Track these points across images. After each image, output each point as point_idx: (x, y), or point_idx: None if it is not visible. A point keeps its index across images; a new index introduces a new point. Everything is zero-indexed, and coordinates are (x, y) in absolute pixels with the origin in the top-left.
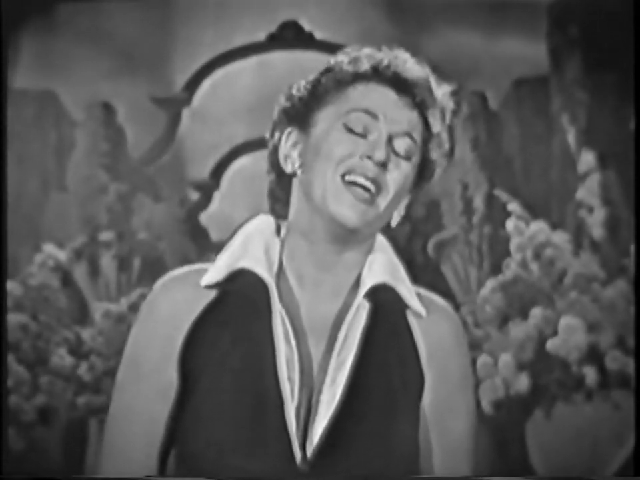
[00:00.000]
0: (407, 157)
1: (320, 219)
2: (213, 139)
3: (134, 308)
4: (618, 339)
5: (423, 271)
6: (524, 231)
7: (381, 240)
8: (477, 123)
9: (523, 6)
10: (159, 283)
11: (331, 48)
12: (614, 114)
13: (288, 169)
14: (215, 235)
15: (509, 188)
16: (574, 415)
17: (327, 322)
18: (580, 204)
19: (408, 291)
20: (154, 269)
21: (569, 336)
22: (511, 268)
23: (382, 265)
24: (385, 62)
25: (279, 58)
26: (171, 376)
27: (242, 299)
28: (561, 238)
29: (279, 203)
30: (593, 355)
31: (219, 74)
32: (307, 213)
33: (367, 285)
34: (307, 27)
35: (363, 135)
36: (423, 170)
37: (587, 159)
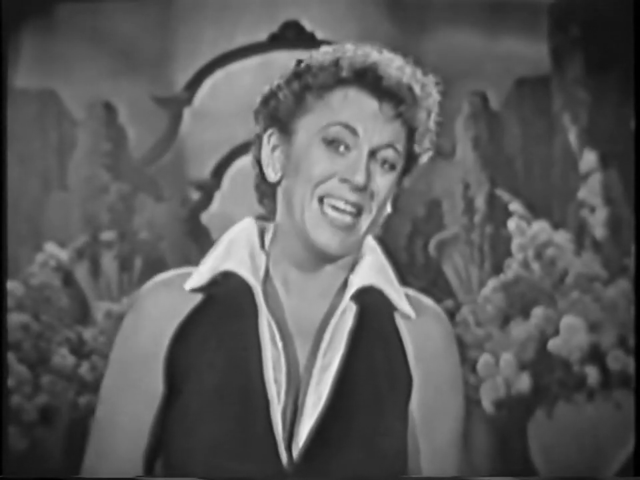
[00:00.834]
0: (391, 167)
1: (300, 240)
2: (214, 138)
3: None
4: (619, 338)
5: (423, 270)
6: (525, 230)
7: (369, 241)
8: (478, 123)
9: (523, 6)
10: (145, 287)
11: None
12: (615, 113)
13: (270, 177)
14: (216, 235)
15: (510, 188)
16: (575, 415)
17: (313, 324)
18: (581, 203)
19: (396, 292)
20: (155, 269)
21: (571, 335)
22: (512, 268)
23: (370, 267)
24: (367, 65)
25: (281, 58)
26: (157, 380)
27: (227, 302)
28: (562, 238)
29: (266, 197)
30: (595, 355)
31: (220, 74)
32: (288, 224)
33: (353, 287)
34: (308, 26)
35: (342, 153)
36: (407, 166)
37: (589, 159)
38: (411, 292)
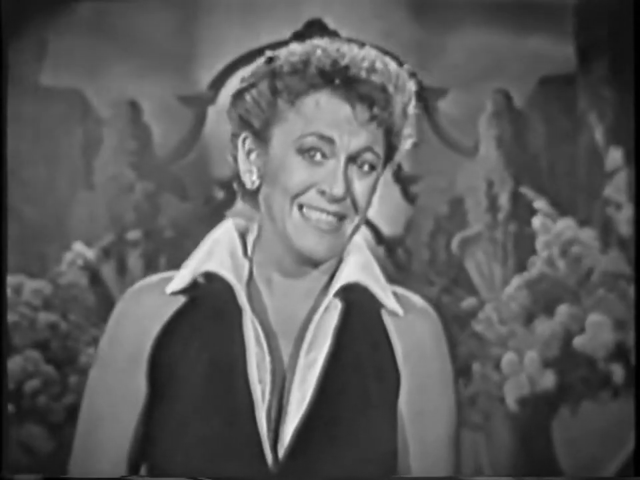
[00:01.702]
0: (371, 168)
1: (284, 246)
2: None
3: None
4: None
5: (446, 268)
6: (550, 228)
7: (355, 239)
8: (501, 121)
9: (548, 5)
10: (129, 291)
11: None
12: None
13: (248, 185)
14: None
15: (534, 185)
16: (600, 413)
17: (297, 323)
18: (607, 201)
19: (382, 289)
20: (180, 268)
21: (596, 333)
22: (536, 265)
23: (355, 265)
24: (337, 68)
25: None
26: (140, 382)
27: (210, 304)
28: (588, 235)
29: (247, 195)
30: (620, 353)
31: (244, 72)
32: (271, 229)
33: (338, 283)
34: (332, 25)
35: (319, 162)
36: (388, 156)
37: (614, 156)
38: (400, 290)
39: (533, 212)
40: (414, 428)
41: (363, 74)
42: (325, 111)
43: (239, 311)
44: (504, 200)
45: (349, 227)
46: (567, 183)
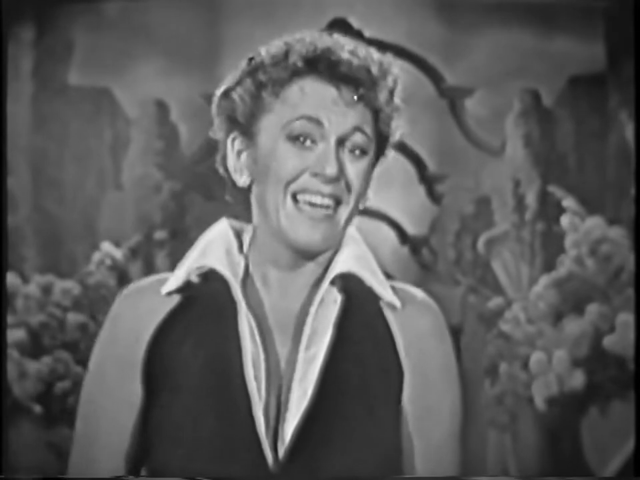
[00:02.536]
0: (363, 152)
1: (279, 242)
2: None
3: None
4: None
5: (472, 268)
6: (579, 226)
7: (351, 232)
8: (529, 120)
9: (576, 5)
10: (124, 293)
11: (380, 45)
12: None
13: (239, 183)
14: None
15: (563, 184)
16: (629, 413)
17: (292, 318)
18: (636, 199)
19: (378, 281)
20: None
21: (626, 332)
22: (565, 264)
23: (349, 256)
24: (319, 52)
25: None
26: (135, 385)
27: (205, 301)
28: (617, 233)
29: (239, 201)
30: None
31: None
32: (265, 229)
33: (332, 273)
34: (355, 24)
35: (309, 147)
36: (380, 149)
37: None
38: (399, 284)
39: (562, 210)
40: (418, 424)
41: (345, 56)
42: (310, 95)
43: (234, 307)
44: (531, 199)
45: (343, 213)
46: (595, 181)
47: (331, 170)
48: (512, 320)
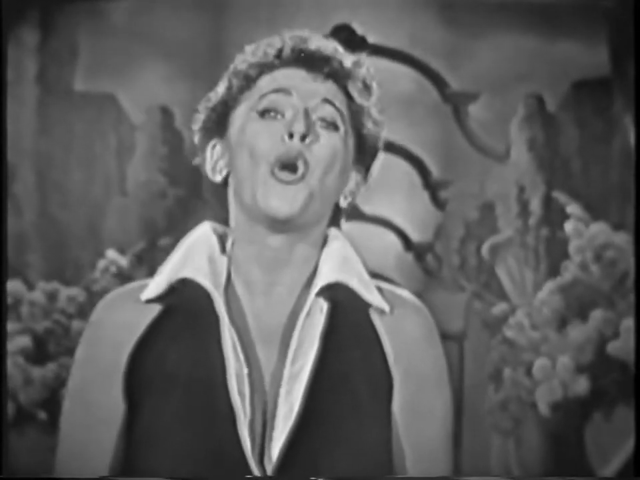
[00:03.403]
0: (332, 125)
1: (255, 220)
2: None
3: None
4: None
5: (476, 274)
6: (584, 232)
7: (334, 233)
8: (533, 125)
9: (580, 9)
10: (101, 302)
11: (384, 51)
12: None
13: (217, 178)
14: None
15: (567, 190)
16: (634, 419)
17: (277, 328)
18: None
19: (365, 286)
20: None
21: (631, 338)
22: (570, 270)
23: (334, 262)
24: (288, 45)
25: None
26: (117, 398)
27: (186, 312)
28: (622, 239)
29: (213, 192)
30: None
31: None
32: (243, 217)
33: (317, 285)
34: (359, 30)
35: (280, 119)
36: (361, 145)
37: None
38: (386, 285)
39: (566, 216)
40: (409, 431)
41: (313, 43)
42: (280, 77)
43: (216, 318)
44: (535, 205)
45: (312, 178)
46: (600, 186)
47: (299, 127)
48: (516, 326)
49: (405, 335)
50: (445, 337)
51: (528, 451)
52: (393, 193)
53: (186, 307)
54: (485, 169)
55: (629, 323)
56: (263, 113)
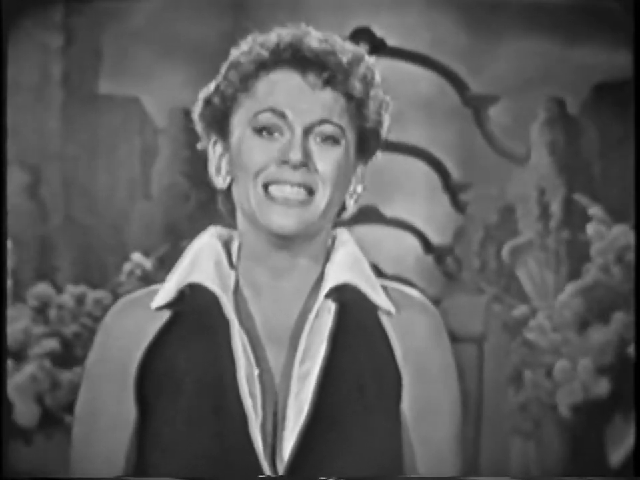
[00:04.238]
0: (334, 142)
1: (259, 229)
2: None
3: None
4: None
5: (496, 277)
6: (605, 234)
7: (342, 234)
8: (554, 128)
9: (601, 11)
10: (112, 310)
11: (404, 54)
12: None
13: (219, 184)
14: None
15: (588, 192)
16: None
17: (286, 330)
18: None
19: (372, 287)
20: None
21: None
22: (591, 272)
23: (343, 263)
24: (283, 44)
25: None
26: (129, 405)
27: (196, 317)
28: None
29: (228, 213)
30: None
31: None
32: (247, 225)
33: (326, 286)
34: (379, 33)
35: (276, 138)
36: (364, 139)
37: None
38: (392, 284)
39: (587, 219)
40: (419, 429)
41: (310, 43)
42: (276, 85)
43: (225, 323)
44: (556, 207)
45: (320, 201)
46: (621, 189)
47: (295, 156)
48: (537, 328)
49: (413, 334)
50: (464, 339)
51: (548, 453)
52: (413, 196)
53: (195, 312)
54: (505, 172)
55: None
56: (260, 131)
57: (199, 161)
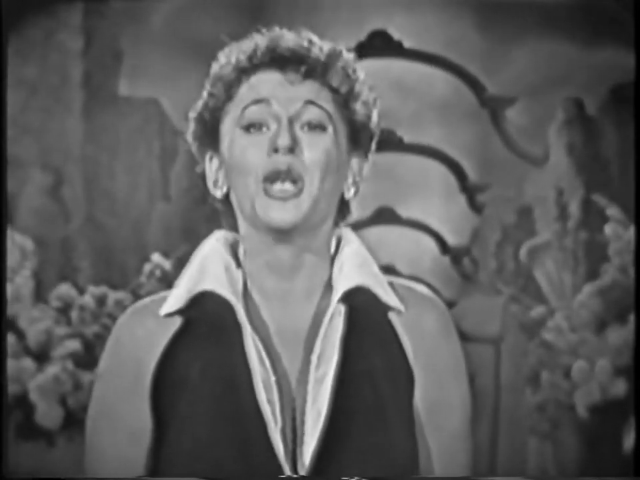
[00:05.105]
0: (320, 127)
1: (261, 231)
2: None
3: None
4: None
5: (514, 277)
6: (623, 235)
7: (347, 234)
8: (572, 129)
9: (618, 12)
10: (121, 317)
11: (420, 56)
12: None
13: (218, 194)
14: None
15: (606, 193)
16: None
17: (300, 333)
18: None
19: (382, 287)
20: None
21: None
22: (609, 273)
23: (352, 264)
24: (260, 47)
25: (369, 66)
26: (144, 416)
27: (208, 323)
28: None
29: (230, 227)
30: None
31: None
32: (249, 228)
33: (339, 291)
34: (395, 35)
35: (264, 132)
36: (355, 132)
37: None
38: (398, 280)
39: (605, 219)
40: (431, 425)
41: (283, 42)
42: (256, 85)
43: (238, 329)
44: (574, 208)
45: (311, 188)
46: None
47: (284, 141)
48: (554, 328)
49: (422, 331)
50: (481, 340)
51: (565, 453)
52: (430, 197)
53: (207, 319)
54: (523, 173)
55: None
56: (248, 128)
57: None
